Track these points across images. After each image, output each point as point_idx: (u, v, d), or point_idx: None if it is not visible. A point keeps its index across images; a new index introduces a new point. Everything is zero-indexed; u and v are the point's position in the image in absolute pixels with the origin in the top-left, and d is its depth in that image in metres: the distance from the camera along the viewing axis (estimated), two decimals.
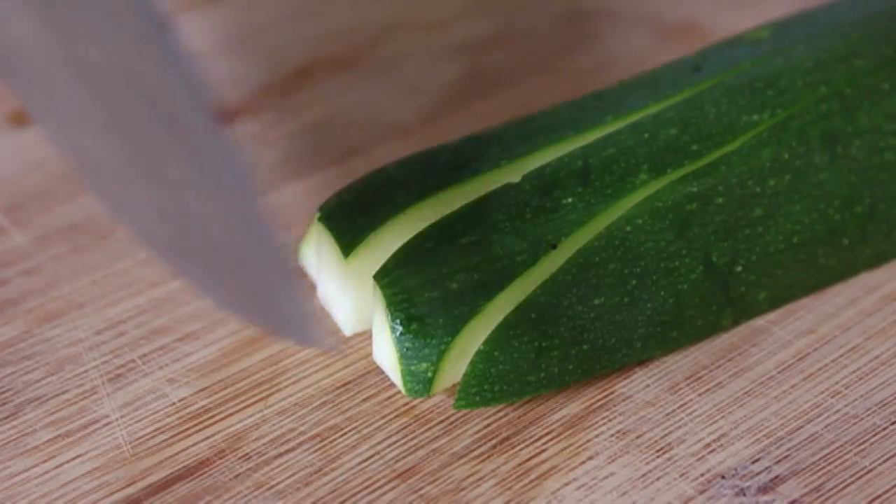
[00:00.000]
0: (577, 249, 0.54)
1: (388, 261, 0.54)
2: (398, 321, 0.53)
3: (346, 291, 0.56)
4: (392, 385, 0.56)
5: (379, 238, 0.55)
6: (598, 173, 0.56)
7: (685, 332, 0.57)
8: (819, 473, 0.53)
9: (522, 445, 0.54)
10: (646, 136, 0.57)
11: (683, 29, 0.74)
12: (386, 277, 0.54)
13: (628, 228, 0.55)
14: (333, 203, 0.57)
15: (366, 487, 0.53)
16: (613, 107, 0.59)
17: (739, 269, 0.57)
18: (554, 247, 0.54)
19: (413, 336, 0.53)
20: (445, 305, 0.53)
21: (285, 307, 0.46)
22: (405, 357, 0.54)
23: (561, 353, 0.55)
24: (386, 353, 0.55)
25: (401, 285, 0.54)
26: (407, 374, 0.54)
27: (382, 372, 0.57)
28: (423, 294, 0.53)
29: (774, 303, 0.59)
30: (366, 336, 0.58)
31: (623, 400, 0.56)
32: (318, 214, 0.57)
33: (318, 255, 0.58)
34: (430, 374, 0.54)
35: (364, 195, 0.56)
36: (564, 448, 0.54)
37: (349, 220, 0.56)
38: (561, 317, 0.54)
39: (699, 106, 0.58)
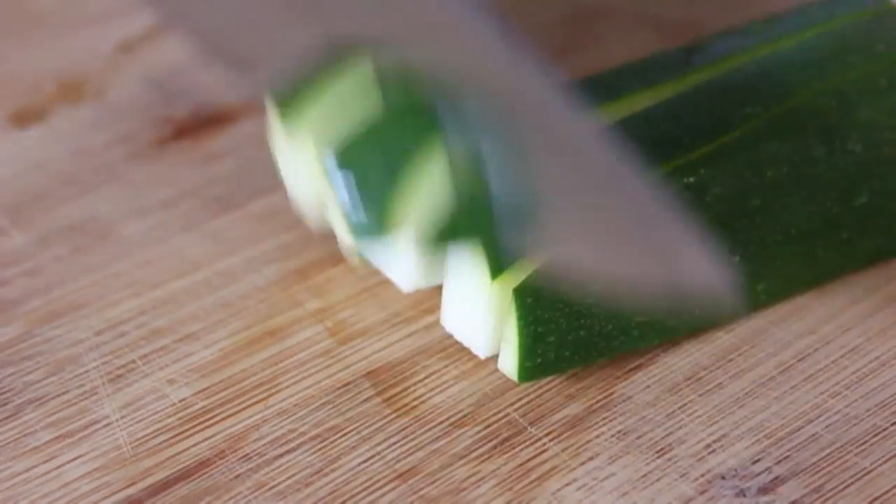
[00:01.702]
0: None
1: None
2: (341, 169, 0.52)
3: (302, 163, 0.55)
4: (393, 385, 0.56)
5: (323, 99, 0.53)
6: None
7: (683, 322, 0.57)
8: (819, 474, 0.53)
9: (523, 446, 0.54)
10: (637, 131, 0.57)
11: (684, 29, 0.74)
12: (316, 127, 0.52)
13: None
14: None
15: (366, 488, 0.53)
16: (603, 96, 0.59)
17: (737, 259, 0.57)
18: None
19: (355, 184, 0.52)
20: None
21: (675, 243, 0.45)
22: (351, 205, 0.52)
23: (557, 339, 0.55)
24: (332, 206, 0.53)
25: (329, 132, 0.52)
26: (355, 223, 0.52)
27: (382, 373, 0.57)
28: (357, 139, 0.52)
29: (773, 295, 0.59)
30: (364, 338, 0.58)
31: (623, 401, 0.56)
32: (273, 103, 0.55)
33: (275, 136, 0.56)
34: (377, 221, 0.52)
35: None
36: (565, 449, 0.54)
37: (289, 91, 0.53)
38: (557, 302, 0.54)
39: (692, 101, 0.58)
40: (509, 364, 0.55)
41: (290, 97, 0.53)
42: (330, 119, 0.53)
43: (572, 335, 0.55)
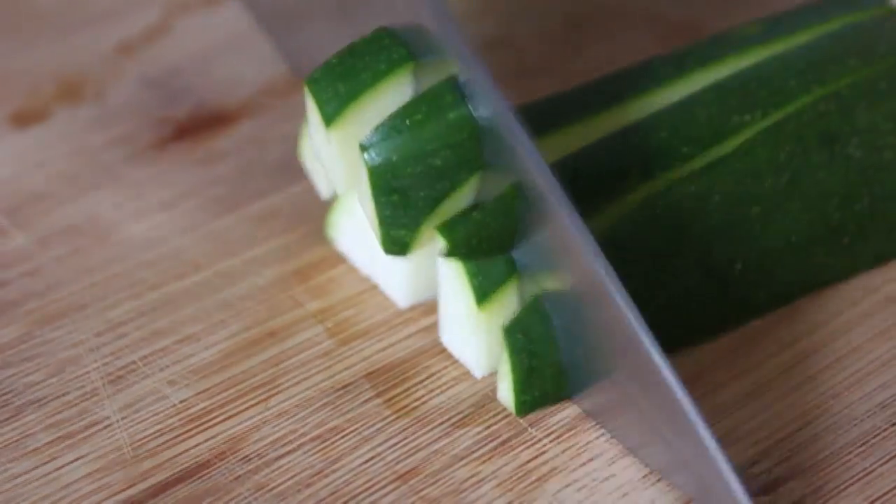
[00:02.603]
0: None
1: (376, 130, 0.54)
2: (381, 192, 0.54)
3: (334, 156, 0.56)
4: (393, 386, 0.56)
5: (362, 105, 0.55)
6: (588, 179, 0.56)
7: (685, 332, 0.57)
8: (819, 475, 0.53)
9: (523, 447, 0.54)
10: (636, 140, 0.57)
11: (685, 29, 0.74)
12: (372, 149, 0.54)
13: (625, 229, 0.55)
14: (321, 68, 0.56)
15: (367, 489, 0.53)
16: (601, 104, 0.59)
17: (738, 267, 0.57)
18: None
19: (394, 206, 0.54)
20: (427, 180, 0.54)
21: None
22: (385, 223, 0.54)
23: (553, 371, 0.55)
24: (368, 212, 0.55)
25: (385, 158, 0.54)
26: (386, 237, 0.55)
27: (383, 374, 0.57)
28: (407, 169, 0.54)
29: (774, 302, 0.59)
30: (364, 339, 0.58)
31: None
32: (306, 79, 0.56)
33: (311, 117, 0.57)
34: (407, 240, 0.55)
35: (348, 60, 0.56)
36: (565, 450, 0.54)
37: (332, 88, 0.55)
38: (549, 335, 0.54)
39: (689, 108, 0.58)
40: (507, 398, 0.55)
41: (328, 91, 0.55)
42: (369, 125, 0.55)
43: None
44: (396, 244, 0.55)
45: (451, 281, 0.55)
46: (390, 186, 0.54)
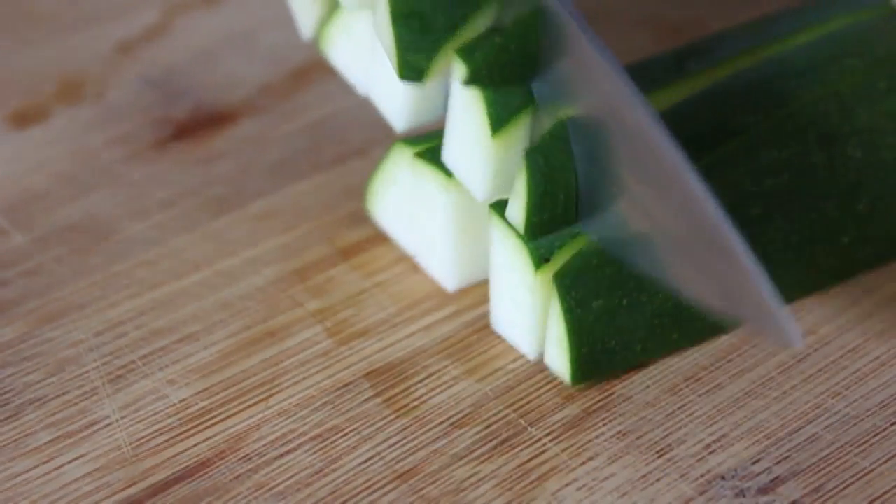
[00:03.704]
0: (576, 251, 0.54)
1: None
2: (399, 15, 0.54)
3: None
4: (392, 386, 0.56)
5: None
6: None
7: (685, 334, 0.57)
8: (819, 474, 0.53)
9: (523, 446, 0.54)
10: None
11: (683, 29, 0.74)
12: None
13: None
14: None
15: (366, 488, 0.53)
16: None
17: None
18: (547, 260, 0.54)
19: (412, 30, 0.54)
20: (447, 4, 0.54)
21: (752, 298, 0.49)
22: (402, 47, 0.54)
23: (566, 196, 0.54)
24: (385, 37, 0.55)
25: None
26: (403, 62, 0.54)
27: (382, 374, 0.57)
28: None
29: None
30: (364, 338, 0.58)
31: (623, 401, 0.56)
32: None
33: None
34: (424, 66, 0.54)
35: None
36: (565, 449, 0.54)
37: None
38: (568, 161, 0.54)
39: (689, 111, 0.58)
40: (518, 218, 0.54)
41: None
42: None
43: (574, 353, 0.55)
44: (413, 70, 0.54)
45: (466, 110, 0.55)
46: (410, 9, 0.54)
